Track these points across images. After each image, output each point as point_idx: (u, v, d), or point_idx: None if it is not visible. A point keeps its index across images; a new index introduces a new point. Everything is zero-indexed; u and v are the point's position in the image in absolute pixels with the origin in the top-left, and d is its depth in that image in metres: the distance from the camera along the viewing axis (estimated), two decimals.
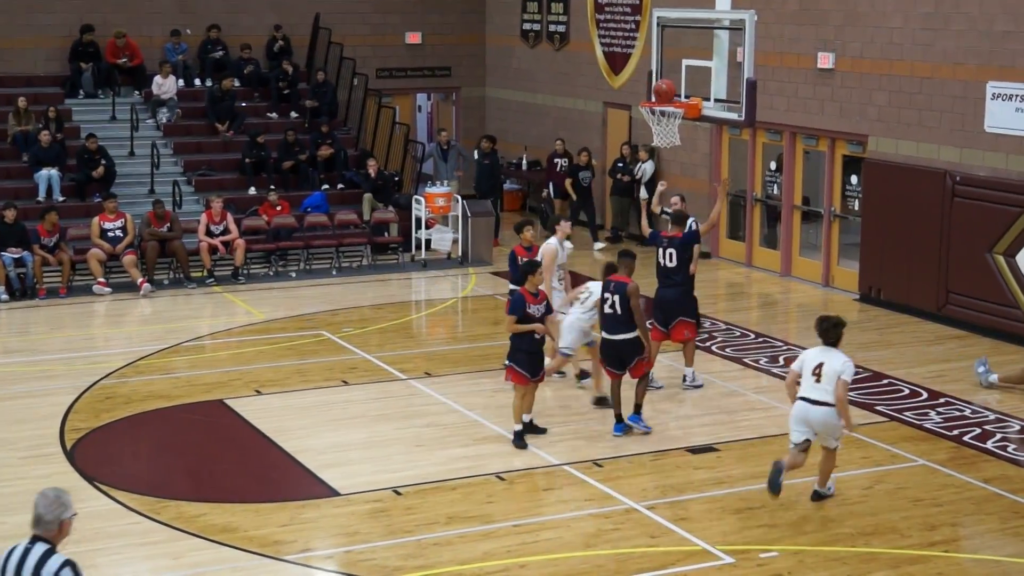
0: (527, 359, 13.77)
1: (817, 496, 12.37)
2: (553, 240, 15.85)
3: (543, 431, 14.12)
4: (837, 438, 12.11)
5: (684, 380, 15.95)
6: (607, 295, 14.07)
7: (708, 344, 17.53)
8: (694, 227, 16.14)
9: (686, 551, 11.25)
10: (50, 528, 7.21)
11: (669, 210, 17.04)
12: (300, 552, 11.30)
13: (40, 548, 7.15)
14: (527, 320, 13.65)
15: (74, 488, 12.69)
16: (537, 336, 13.68)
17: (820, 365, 11.88)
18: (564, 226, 16.04)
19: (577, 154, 25.10)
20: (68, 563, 7.09)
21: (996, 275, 18.09)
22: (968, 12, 18.55)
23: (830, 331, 12.02)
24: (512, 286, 15.94)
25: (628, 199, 24.75)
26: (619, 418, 14.20)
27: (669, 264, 15.65)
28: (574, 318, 15.07)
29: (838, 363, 11.80)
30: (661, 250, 15.71)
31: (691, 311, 15.74)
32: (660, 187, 17.63)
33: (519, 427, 13.87)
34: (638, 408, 14.26)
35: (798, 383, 12.00)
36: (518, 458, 13.52)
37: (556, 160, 25.74)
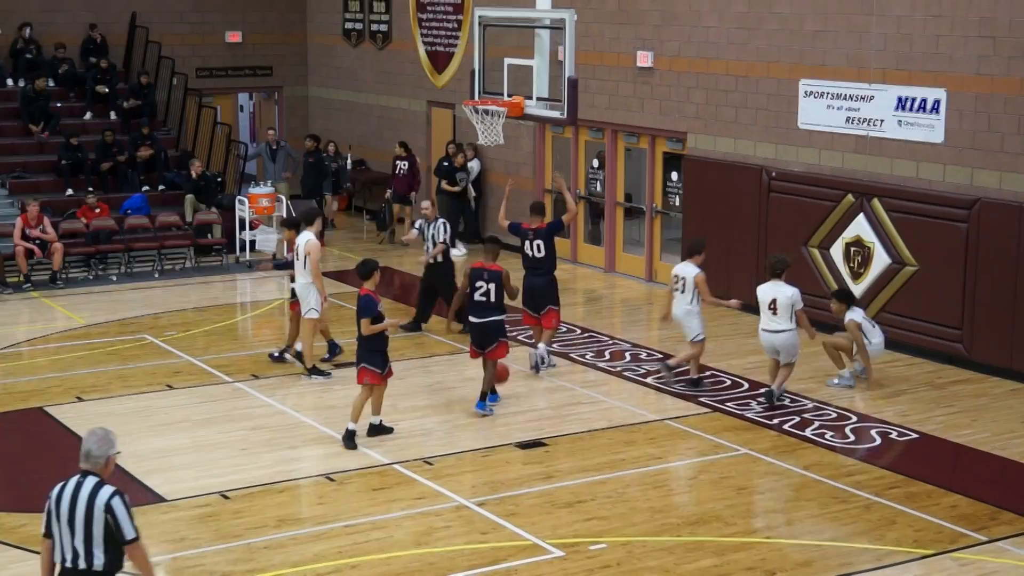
0: (382, 357, 13.85)
1: (770, 397, 15.02)
2: (310, 234, 16.14)
3: (390, 430, 14.13)
4: (794, 356, 15.00)
5: (543, 363, 16.47)
6: (480, 283, 14.72)
7: (535, 341, 17.65)
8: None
9: (517, 546, 11.34)
10: (98, 463, 8.07)
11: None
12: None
13: (91, 481, 7.99)
14: (379, 319, 13.71)
15: None
16: (388, 333, 13.76)
17: (774, 300, 14.75)
18: (317, 223, 16.41)
19: (453, 156, 24.19)
20: (117, 492, 7.96)
21: (812, 267, 18.61)
22: (780, 12, 19.04)
23: (776, 265, 14.85)
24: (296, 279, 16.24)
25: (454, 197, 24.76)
26: (483, 395, 14.88)
27: (537, 255, 16.54)
28: (688, 307, 15.62)
29: (786, 297, 14.71)
30: (528, 242, 16.54)
31: (557, 298, 16.66)
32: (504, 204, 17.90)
33: (354, 426, 13.81)
34: (484, 395, 14.89)
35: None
36: (348, 458, 13.47)
37: (396, 163, 25.21)
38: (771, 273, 14.98)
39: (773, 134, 19.30)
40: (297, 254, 16.14)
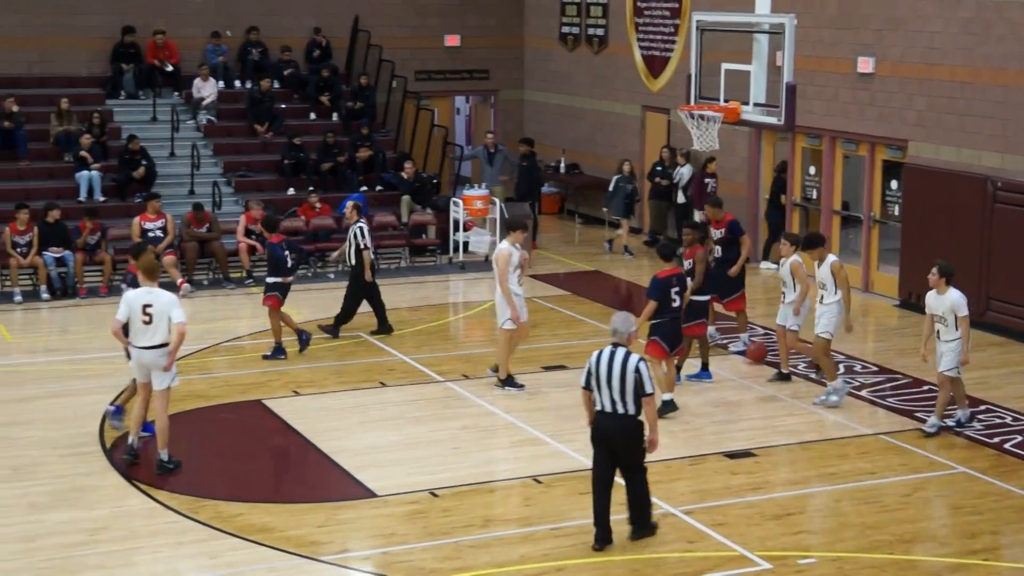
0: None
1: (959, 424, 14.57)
2: (506, 244, 15.99)
3: (676, 408, 14.99)
4: (948, 368, 14.26)
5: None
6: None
7: (745, 350, 17.44)
8: None
9: (724, 556, 11.22)
10: (623, 336, 11.16)
11: None
12: (337, 553, 11.33)
13: (621, 350, 11.10)
14: None
15: (113, 487, 12.81)
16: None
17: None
18: (517, 234, 16.07)
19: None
20: (641, 359, 11.10)
21: None
22: (1010, 18, 18.42)
23: (943, 271, 14.24)
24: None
25: (666, 203, 24.62)
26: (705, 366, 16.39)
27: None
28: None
29: (948, 303, 14.17)
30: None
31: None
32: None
33: (668, 395, 14.89)
34: (706, 366, 16.38)
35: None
36: (555, 461, 13.50)
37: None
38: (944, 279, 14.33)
39: (999, 143, 18.69)
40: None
